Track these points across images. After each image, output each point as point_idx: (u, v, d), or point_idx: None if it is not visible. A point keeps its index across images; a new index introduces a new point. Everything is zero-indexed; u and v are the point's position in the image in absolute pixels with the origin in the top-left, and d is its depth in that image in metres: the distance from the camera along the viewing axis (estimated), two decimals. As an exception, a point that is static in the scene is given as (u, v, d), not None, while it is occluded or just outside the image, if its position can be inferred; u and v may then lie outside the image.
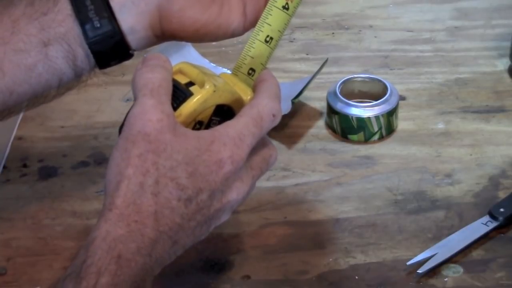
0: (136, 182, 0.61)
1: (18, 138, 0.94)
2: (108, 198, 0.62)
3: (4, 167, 0.90)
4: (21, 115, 0.97)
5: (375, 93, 0.94)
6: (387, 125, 0.92)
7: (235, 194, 0.65)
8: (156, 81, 0.64)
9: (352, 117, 0.91)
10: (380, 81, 0.95)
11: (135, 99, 0.63)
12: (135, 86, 0.64)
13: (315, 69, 0.96)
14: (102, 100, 1.00)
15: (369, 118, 0.91)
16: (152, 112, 0.62)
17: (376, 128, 0.91)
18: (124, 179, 0.61)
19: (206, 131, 0.64)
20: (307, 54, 1.07)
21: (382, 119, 0.91)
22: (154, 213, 0.61)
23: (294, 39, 1.10)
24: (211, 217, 0.64)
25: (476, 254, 0.78)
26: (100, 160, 0.90)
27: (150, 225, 0.61)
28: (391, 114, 0.92)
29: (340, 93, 0.93)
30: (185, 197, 0.62)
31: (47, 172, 0.89)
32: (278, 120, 0.67)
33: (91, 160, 0.90)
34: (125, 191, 0.61)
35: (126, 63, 0.79)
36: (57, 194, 0.86)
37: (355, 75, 0.96)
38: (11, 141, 0.93)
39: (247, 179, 0.66)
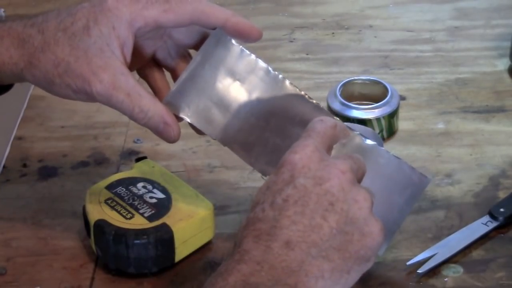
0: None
1: (18, 138, 0.94)
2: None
3: (4, 167, 0.90)
4: (21, 115, 0.97)
5: (376, 95, 0.94)
6: (389, 127, 0.92)
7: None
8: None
9: (353, 119, 0.91)
10: (380, 83, 0.94)
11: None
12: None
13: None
14: (102, 100, 0.99)
15: (370, 120, 0.90)
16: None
17: (377, 130, 0.91)
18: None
19: None
20: (307, 54, 1.07)
21: (383, 121, 0.91)
22: None
23: (294, 39, 1.10)
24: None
25: (476, 254, 0.78)
26: (100, 160, 0.90)
27: None
28: (392, 116, 0.92)
29: (341, 95, 0.92)
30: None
31: (47, 172, 0.89)
32: (328, 121, 0.69)
33: (91, 160, 0.90)
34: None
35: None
36: (57, 194, 0.86)
37: (355, 77, 0.96)
38: (11, 141, 0.93)
39: None
